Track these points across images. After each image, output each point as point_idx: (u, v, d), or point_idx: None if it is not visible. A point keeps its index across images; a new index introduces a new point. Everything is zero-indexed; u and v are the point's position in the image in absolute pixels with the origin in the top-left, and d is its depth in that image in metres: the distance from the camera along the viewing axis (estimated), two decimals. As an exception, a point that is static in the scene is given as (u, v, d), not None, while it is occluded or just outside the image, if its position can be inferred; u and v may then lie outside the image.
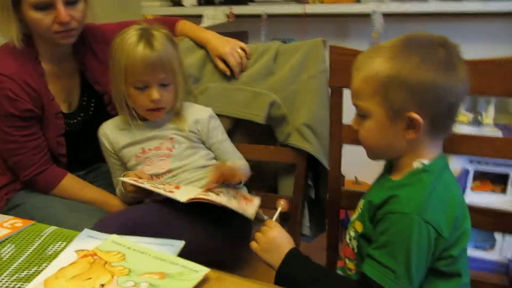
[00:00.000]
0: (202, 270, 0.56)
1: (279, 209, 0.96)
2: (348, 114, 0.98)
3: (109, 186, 1.27)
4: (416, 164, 0.75)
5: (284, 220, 1.34)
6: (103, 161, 1.37)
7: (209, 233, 1.04)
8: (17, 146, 1.11)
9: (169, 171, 1.12)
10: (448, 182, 0.74)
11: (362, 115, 0.77)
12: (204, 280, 0.56)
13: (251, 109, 1.28)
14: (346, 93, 0.98)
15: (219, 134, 1.18)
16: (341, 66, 0.97)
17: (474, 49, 1.91)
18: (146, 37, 1.03)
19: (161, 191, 0.96)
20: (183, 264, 0.57)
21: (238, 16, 2.20)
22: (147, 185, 0.98)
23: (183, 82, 1.13)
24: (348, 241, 0.85)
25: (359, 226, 0.80)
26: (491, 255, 1.80)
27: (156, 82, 1.05)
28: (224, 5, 2.20)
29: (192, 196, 0.93)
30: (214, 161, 1.17)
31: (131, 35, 1.04)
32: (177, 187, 1.04)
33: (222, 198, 0.97)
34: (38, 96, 1.11)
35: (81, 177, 1.28)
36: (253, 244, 0.86)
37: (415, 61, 0.70)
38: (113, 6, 3.48)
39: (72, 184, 1.19)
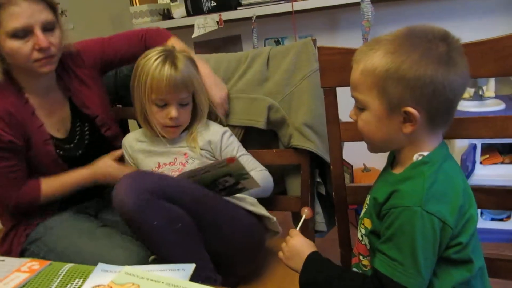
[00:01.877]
0: (215, 291, 0.58)
1: (303, 217, 0.97)
2: (344, 111, 0.99)
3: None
4: (416, 157, 0.75)
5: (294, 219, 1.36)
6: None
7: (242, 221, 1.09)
8: None
9: None
10: (450, 171, 0.74)
11: (360, 108, 0.78)
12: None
13: (250, 116, 1.30)
14: (339, 92, 0.99)
15: (233, 151, 1.21)
16: (331, 66, 0.97)
17: (468, 25, 1.93)
18: (171, 58, 1.11)
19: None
20: None
21: (228, 21, 2.21)
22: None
23: (205, 102, 1.20)
24: (360, 238, 0.86)
25: (368, 223, 0.82)
26: (508, 225, 1.80)
27: (176, 101, 1.12)
28: (213, 12, 2.21)
29: None
30: None
31: (157, 56, 1.11)
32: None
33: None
34: (21, 125, 1.11)
35: (94, 206, 1.31)
36: (280, 254, 0.89)
37: (415, 56, 0.69)
38: (106, 24, 3.53)
39: (51, 184, 1.18)
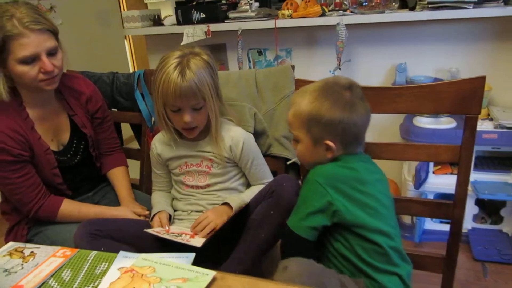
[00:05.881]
0: (210, 273, 0.78)
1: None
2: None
3: (114, 203, 1.48)
4: None
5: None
6: (106, 180, 1.57)
7: None
8: (15, 187, 1.25)
9: (208, 185, 1.33)
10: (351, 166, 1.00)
11: (296, 140, 1.03)
12: (213, 279, 0.78)
13: (242, 121, 1.45)
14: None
15: (248, 161, 1.32)
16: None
17: (429, 50, 2.18)
18: (181, 66, 1.16)
19: (179, 240, 1.14)
20: (196, 270, 0.79)
21: (215, 32, 2.39)
22: (167, 236, 1.16)
23: (216, 105, 1.25)
24: None
25: None
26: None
27: (188, 107, 1.19)
28: (201, 23, 2.39)
29: (205, 240, 1.12)
30: (242, 181, 1.37)
31: (171, 63, 1.16)
32: (192, 236, 1.20)
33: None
34: (25, 139, 1.25)
35: (90, 198, 1.48)
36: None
37: (328, 104, 0.95)
38: (92, 21, 3.64)
39: (69, 208, 1.33)
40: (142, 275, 0.79)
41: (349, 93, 0.97)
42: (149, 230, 1.20)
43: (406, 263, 0.97)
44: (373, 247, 0.92)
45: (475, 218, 2.12)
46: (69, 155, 1.40)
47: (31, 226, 1.37)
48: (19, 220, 1.38)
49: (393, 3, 2.13)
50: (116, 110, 1.81)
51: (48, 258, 0.88)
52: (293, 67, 1.47)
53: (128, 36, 3.65)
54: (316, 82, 1.02)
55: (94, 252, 0.89)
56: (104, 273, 0.82)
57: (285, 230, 0.98)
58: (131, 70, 4.31)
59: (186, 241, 1.13)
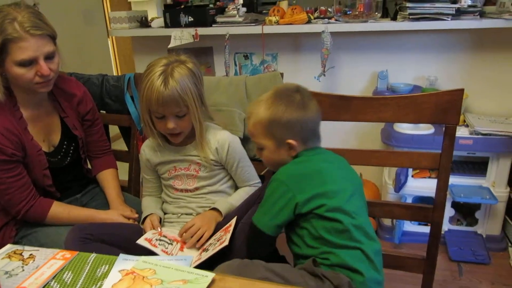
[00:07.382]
0: (210, 275, 0.82)
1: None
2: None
3: (102, 205, 1.50)
4: None
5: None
6: (95, 182, 1.59)
7: None
8: (5, 187, 1.25)
9: (196, 188, 1.36)
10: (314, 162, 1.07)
11: (259, 148, 1.10)
12: (212, 281, 0.81)
13: (231, 126, 1.52)
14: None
15: (234, 163, 1.36)
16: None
17: (408, 59, 2.27)
18: (165, 74, 1.18)
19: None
20: (196, 272, 0.83)
21: (202, 36, 2.42)
22: (158, 250, 1.17)
23: (200, 113, 1.27)
24: None
25: None
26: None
27: (171, 114, 1.22)
28: (189, 27, 2.41)
29: (193, 265, 1.12)
30: (230, 184, 1.41)
31: (155, 71, 1.19)
32: (181, 248, 1.23)
33: (209, 252, 1.15)
34: (18, 139, 1.25)
35: (78, 200, 1.49)
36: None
37: (283, 107, 1.03)
38: (77, 18, 3.61)
39: (59, 210, 1.34)
40: (143, 277, 0.82)
41: (299, 95, 1.05)
42: (141, 241, 1.20)
43: (372, 241, 1.00)
44: (333, 224, 0.97)
45: (451, 220, 2.22)
46: (59, 157, 1.41)
47: (19, 227, 1.37)
48: (6, 221, 1.37)
49: (376, 13, 2.20)
50: (104, 112, 1.82)
51: (49, 260, 0.90)
52: (282, 74, 1.52)
53: (111, 36, 3.64)
54: (266, 93, 1.10)
55: (93, 255, 0.91)
56: (105, 275, 0.85)
57: (250, 225, 1.04)
58: (113, 70, 4.29)
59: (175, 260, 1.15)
